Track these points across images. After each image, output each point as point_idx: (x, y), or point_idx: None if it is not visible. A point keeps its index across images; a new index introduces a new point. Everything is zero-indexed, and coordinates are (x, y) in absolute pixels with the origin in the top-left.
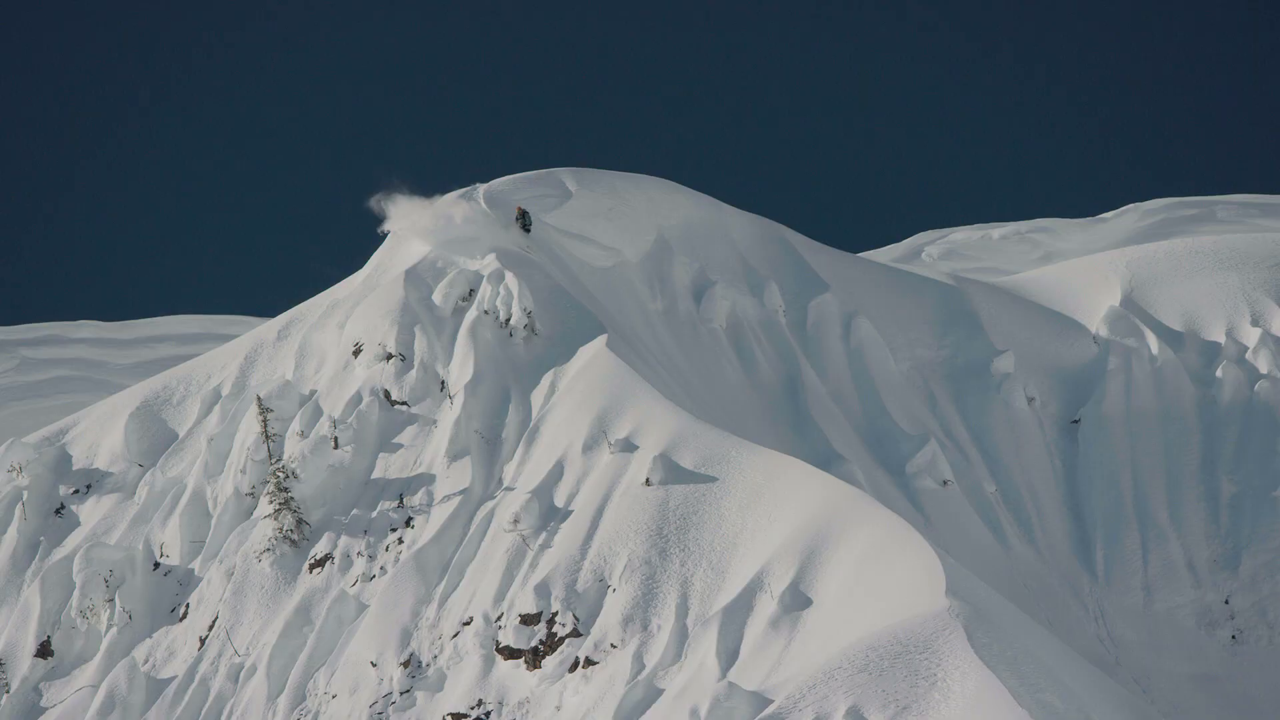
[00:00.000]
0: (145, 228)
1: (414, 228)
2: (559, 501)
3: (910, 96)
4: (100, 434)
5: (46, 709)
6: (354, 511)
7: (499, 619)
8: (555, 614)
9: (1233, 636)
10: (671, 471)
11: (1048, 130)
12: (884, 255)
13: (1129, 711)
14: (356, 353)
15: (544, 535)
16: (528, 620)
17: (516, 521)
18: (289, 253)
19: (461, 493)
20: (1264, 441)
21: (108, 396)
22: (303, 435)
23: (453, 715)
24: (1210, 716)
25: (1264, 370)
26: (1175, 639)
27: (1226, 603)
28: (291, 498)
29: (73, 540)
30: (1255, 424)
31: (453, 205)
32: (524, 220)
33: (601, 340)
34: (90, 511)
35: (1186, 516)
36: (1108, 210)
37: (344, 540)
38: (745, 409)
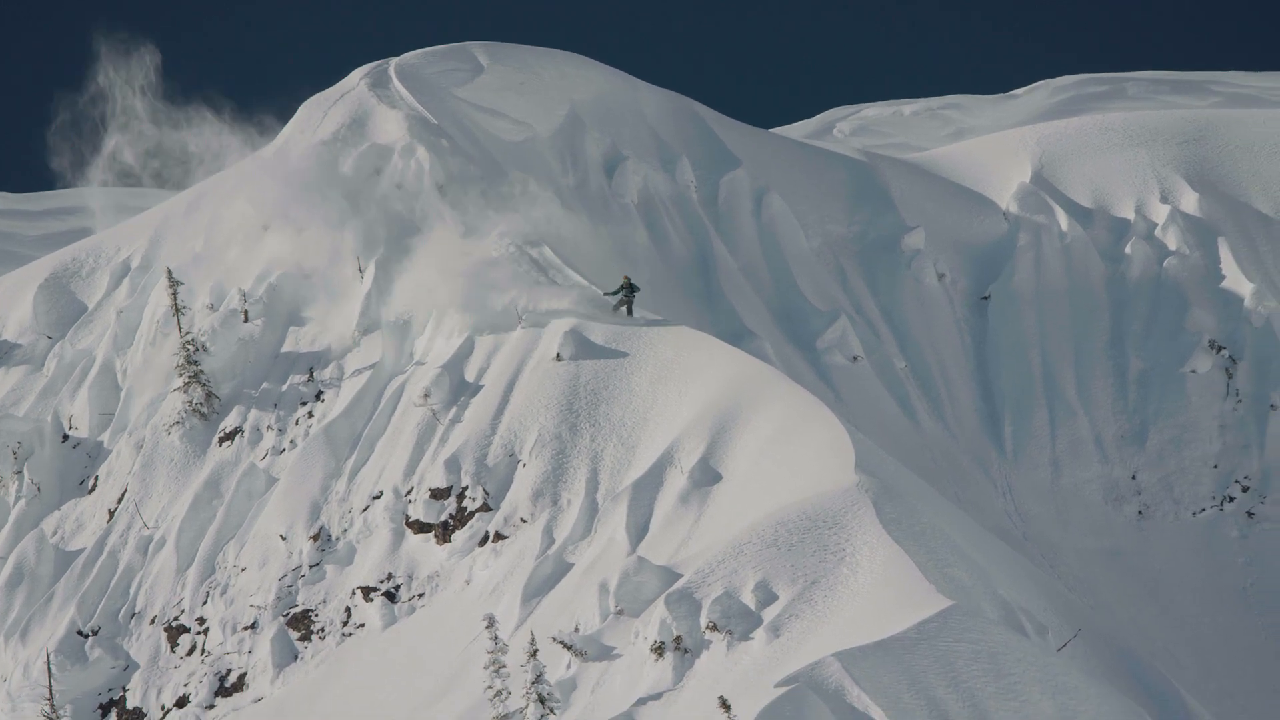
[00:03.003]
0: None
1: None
2: (469, 376)
3: None
4: (8, 306)
5: None
6: (264, 385)
7: (409, 493)
8: (465, 488)
9: (1139, 512)
10: (582, 347)
11: (959, 6)
12: (796, 131)
13: (1035, 586)
14: (267, 226)
15: (454, 410)
16: (437, 494)
17: (427, 396)
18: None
19: (372, 367)
20: (1172, 318)
21: (16, 268)
22: (212, 308)
23: (362, 589)
24: (1116, 590)
25: (1173, 247)
26: (1082, 514)
27: (1133, 478)
28: (201, 371)
29: None
30: (1163, 301)
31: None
32: (628, 293)
33: (513, 214)
34: None
35: (1094, 392)
36: (1018, 87)
37: (254, 414)
38: (657, 285)
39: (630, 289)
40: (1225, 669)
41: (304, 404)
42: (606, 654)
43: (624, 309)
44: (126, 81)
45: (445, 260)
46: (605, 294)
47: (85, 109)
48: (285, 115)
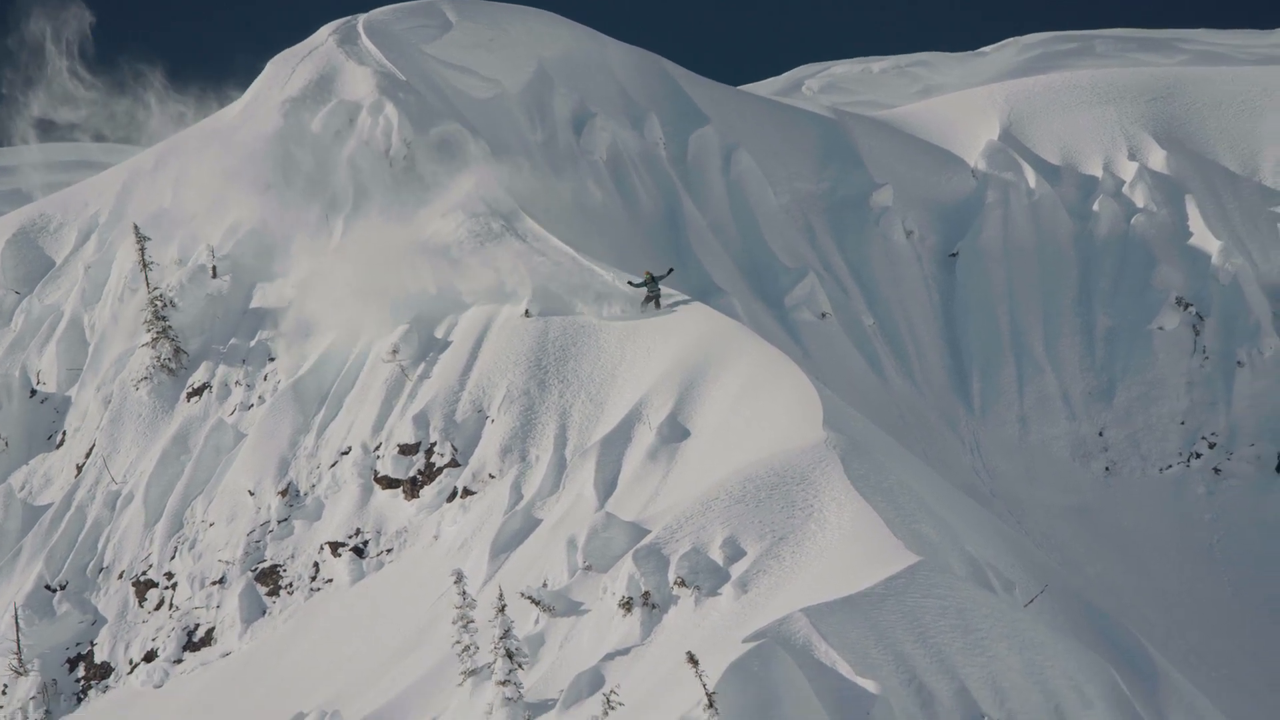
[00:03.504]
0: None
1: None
2: (438, 333)
3: None
4: None
5: None
6: (232, 340)
7: (377, 449)
8: (434, 444)
9: (1106, 468)
10: (551, 303)
11: None
12: (764, 88)
13: (1002, 542)
14: (234, 182)
15: (423, 366)
16: (406, 450)
17: (395, 352)
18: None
19: (341, 322)
20: (1139, 275)
21: None
22: (180, 264)
23: (330, 544)
24: (1083, 547)
25: (1140, 204)
26: (1050, 470)
27: (1100, 435)
28: (169, 326)
29: None
30: (1131, 258)
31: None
32: (653, 286)
33: (483, 171)
34: None
35: (1062, 349)
36: (986, 44)
37: (222, 369)
38: (626, 242)
39: (654, 282)
40: (1192, 625)
41: (272, 359)
42: (574, 609)
43: (652, 303)
44: (58, 38)
45: (375, 257)
46: (630, 284)
47: (24, 65)
48: (254, 72)
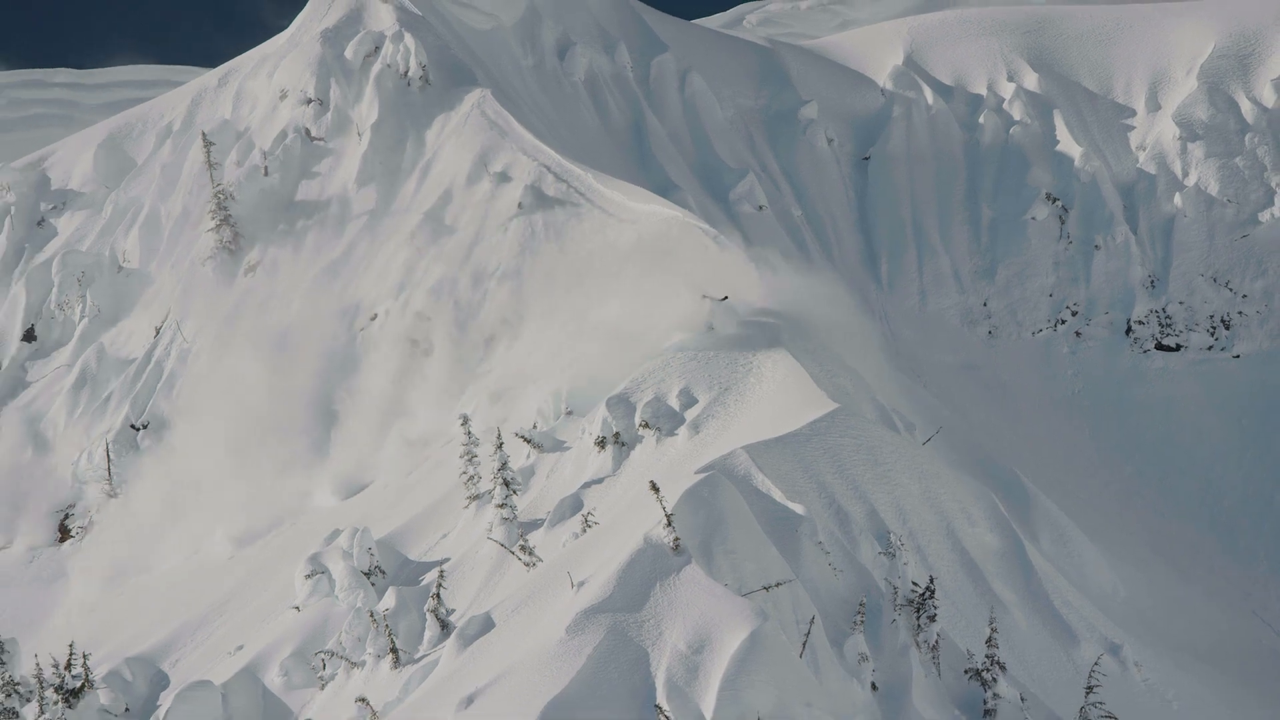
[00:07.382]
0: None
1: None
2: (448, 221)
3: None
4: (74, 161)
5: (31, 383)
6: (280, 227)
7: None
8: (445, 312)
9: (989, 332)
10: (539, 198)
11: None
12: (712, 22)
13: (905, 393)
14: (283, 97)
15: (435, 248)
16: (421, 318)
17: (413, 236)
18: (234, 9)
19: (369, 213)
20: (1016, 176)
21: (80, 130)
22: (239, 165)
23: None
24: (970, 397)
25: (1017, 118)
26: (943, 335)
27: (984, 305)
28: (229, 215)
29: (52, 247)
30: (1009, 162)
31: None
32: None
33: (484, 90)
34: (66, 224)
35: (954, 236)
36: None
37: (272, 250)
38: (600, 148)
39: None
40: (1056, 461)
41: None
42: (559, 447)
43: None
44: None
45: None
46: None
47: None
48: (299, 6)
